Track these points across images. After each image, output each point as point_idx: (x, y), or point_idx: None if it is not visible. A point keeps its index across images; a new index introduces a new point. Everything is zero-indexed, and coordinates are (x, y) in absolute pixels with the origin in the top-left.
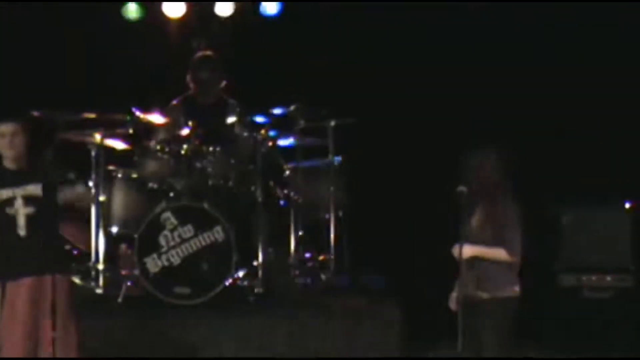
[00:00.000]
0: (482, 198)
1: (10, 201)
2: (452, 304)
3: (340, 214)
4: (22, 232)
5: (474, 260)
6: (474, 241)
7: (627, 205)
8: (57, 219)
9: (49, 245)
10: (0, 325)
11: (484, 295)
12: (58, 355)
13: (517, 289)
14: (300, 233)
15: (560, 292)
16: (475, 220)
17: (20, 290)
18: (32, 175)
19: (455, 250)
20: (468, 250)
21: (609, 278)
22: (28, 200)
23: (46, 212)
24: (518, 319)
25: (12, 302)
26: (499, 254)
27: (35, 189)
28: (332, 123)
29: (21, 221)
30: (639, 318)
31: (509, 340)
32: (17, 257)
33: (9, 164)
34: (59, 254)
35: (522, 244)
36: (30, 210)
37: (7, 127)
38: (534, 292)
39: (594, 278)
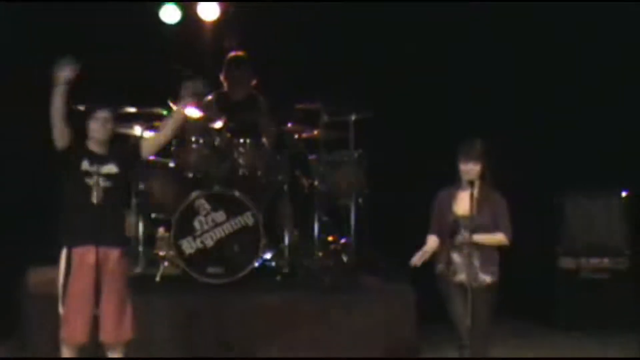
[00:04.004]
0: (479, 186)
1: (89, 174)
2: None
3: (360, 200)
4: (95, 200)
5: (470, 246)
6: (469, 228)
7: (624, 194)
8: (126, 199)
9: (117, 219)
10: (65, 294)
11: (488, 279)
12: (114, 334)
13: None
14: (323, 218)
15: (560, 273)
16: (460, 209)
17: (86, 259)
18: (111, 158)
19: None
20: (477, 238)
21: (605, 261)
22: (106, 177)
23: (120, 187)
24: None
25: (79, 267)
26: (499, 238)
27: (112, 168)
28: (353, 117)
29: (97, 191)
30: (633, 298)
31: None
32: (88, 224)
33: (94, 147)
34: (122, 230)
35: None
36: (107, 184)
37: (102, 113)
38: (536, 274)
39: (591, 261)
